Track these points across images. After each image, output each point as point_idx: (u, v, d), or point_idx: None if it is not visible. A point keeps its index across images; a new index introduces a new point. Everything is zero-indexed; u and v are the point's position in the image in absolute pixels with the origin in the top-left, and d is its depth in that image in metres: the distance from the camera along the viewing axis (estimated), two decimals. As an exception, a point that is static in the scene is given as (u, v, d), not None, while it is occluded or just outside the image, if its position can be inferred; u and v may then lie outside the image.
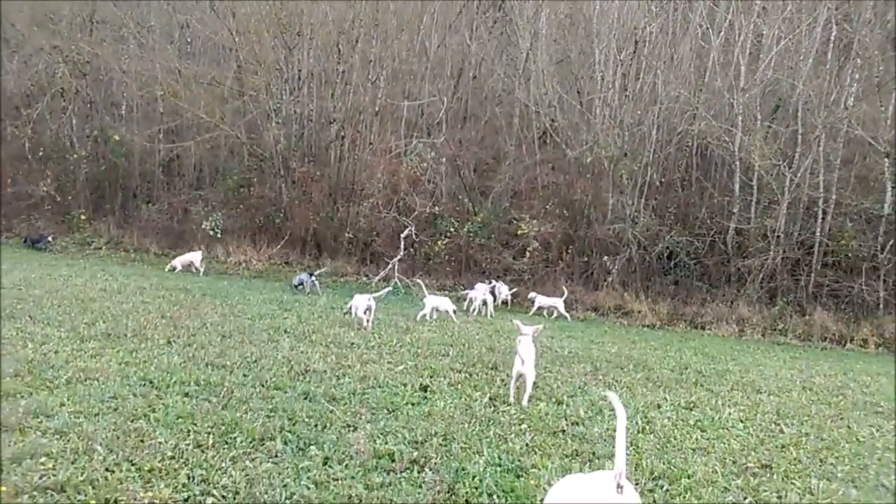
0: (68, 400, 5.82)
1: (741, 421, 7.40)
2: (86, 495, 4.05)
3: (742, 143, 18.66)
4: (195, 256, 17.82)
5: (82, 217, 22.41)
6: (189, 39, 25.13)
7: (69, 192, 23.01)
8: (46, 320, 9.31)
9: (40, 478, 4.23)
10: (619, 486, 3.34)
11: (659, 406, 7.74)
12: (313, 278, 16.55)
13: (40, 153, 23.44)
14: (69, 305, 10.67)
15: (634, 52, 20.46)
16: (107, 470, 4.44)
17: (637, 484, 5.07)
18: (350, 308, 11.69)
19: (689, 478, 5.33)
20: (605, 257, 19.11)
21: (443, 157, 21.68)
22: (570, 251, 19.62)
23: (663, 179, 20.00)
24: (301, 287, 16.23)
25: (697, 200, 19.96)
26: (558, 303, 16.60)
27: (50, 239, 20.98)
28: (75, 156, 23.14)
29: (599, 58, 20.69)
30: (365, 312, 11.35)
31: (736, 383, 9.64)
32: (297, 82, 22.18)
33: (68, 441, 4.87)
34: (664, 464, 5.60)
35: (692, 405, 7.95)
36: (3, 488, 4.02)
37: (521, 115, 22.61)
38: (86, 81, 24.00)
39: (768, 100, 19.82)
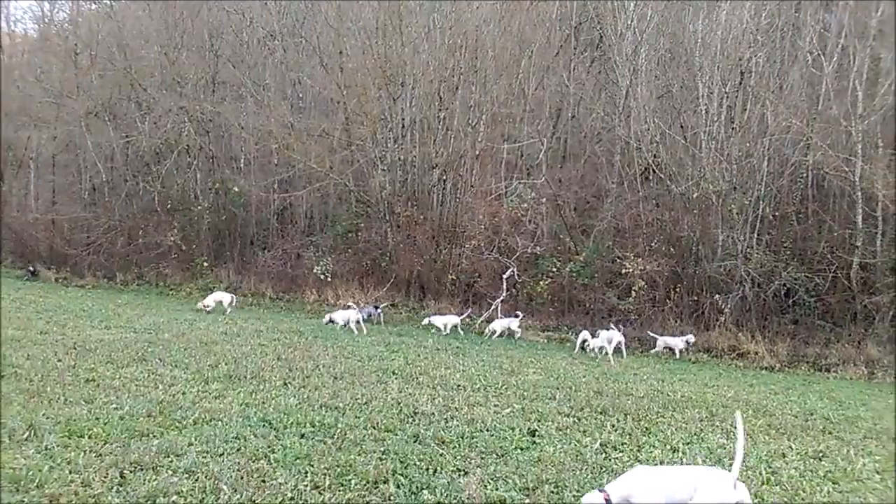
0: (195, 440, 6.19)
1: (877, 472, 6.84)
2: (215, 533, 4.27)
3: (863, 173, 17.54)
4: (225, 297, 18.47)
5: (205, 264, 23.99)
6: (301, 95, 26.64)
7: (193, 240, 24.71)
8: (174, 363, 9.96)
9: (173, 515, 4.50)
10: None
11: (784, 455, 7.29)
12: (379, 310, 18.29)
13: (168, 205, 25.39)
14: (194, 349, 11.38)
15: (740, 83, 19.84)
16: (232, 509, 4.68)
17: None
18: (331, 320, 16.27)
19: (821, 534, 4.99)
20: (717, 296, 18.30)
21: (543, 197, 21.66)
22: (678, 290, 18.95)
23: (777, 213, 19.05)
24: (365, 319, 17.14)
25: (815, 234, 18.86)
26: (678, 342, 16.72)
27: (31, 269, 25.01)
28: (199, 207, 24.91)
29: (703, 91, 20.19)
30: (356, 323, 15.83)
31: (869, 431, 8.93)
32: (401, 130, 22.96)
33: (196, 480, 5.17)
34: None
35: (821, 454, 7.44)
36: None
37: (622, 152, 22.32)
38: (208, 138, 25.90)
39: (889, 126, 18.60)
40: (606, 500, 4.61)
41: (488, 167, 23.21)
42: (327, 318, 16.86)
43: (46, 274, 25.27)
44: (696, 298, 18.83)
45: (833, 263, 17.83)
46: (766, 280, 17.99)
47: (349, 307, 17.36)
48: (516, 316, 18.12)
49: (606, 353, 14.99)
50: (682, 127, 20.96)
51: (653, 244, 19.59)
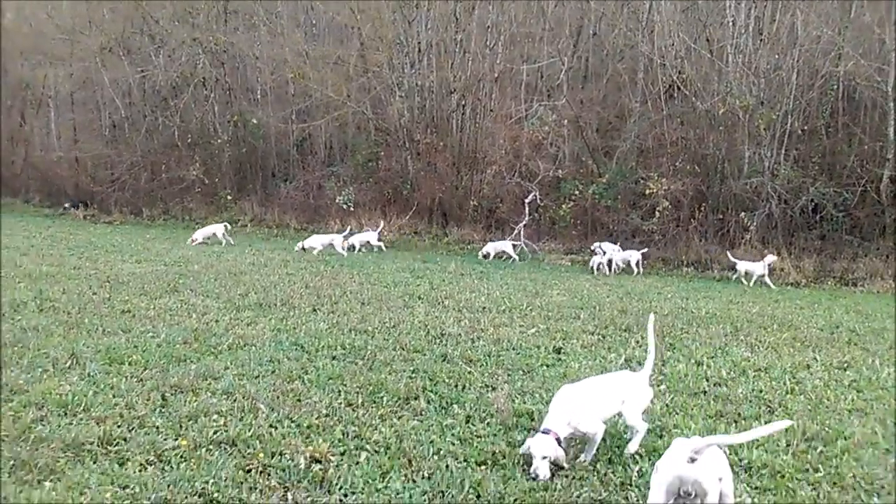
0: (231, 364, 6.39)
1: (901, 381, 6.90)
2: (254, 449, 4.46)
3: (895, 82, 16.93)
4: (217, 228, 18.47)
5: (228, 197, 24.18)
6: (314, 21, 26.08)
7: (215, 174, 24.82)
8: (205, 293, 10.19)
9: (214, 433, 4.70)
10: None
11: (808, 366, 7.36)
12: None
13: (188, 140, 25.40)
14: (224, 279, 11.61)
15: (770, -9, 19.00)
16: (270, 426, 4.87)
17: (788, 445, 4.91)
18: (304, 247, 16.54)
19: (845, 439, 5.07)
20: (742, 213, 18.06)
21: (565, 119, 21.27)
22: (702, 209, 18.73)
23: (805, 127, 18.54)
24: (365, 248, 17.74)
25: (845, 148, 18.38)
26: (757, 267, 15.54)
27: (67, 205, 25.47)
28: (219, 140, 24.89)
29: (730, 2, 19.39)
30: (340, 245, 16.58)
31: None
32: (418, 54, 22.48)
33: (234, 401, 5.37)
34: (817, 425, 5.35)
35: (846, 365, 7.49)
36: (184, 441, 4.51)
37: (645, 70, 21.70)
38: (224, 70, 25.62)
39: (926, 32, 17.78)
40: (556, 438, 4.32)
41: (508, 90, 22.76)
42: (300, 245, 17.09)
43: (74, 212, 25.64)
44: (721, 217, 18.64)
45: (862, 177, 17.46)
46: (794, 196, 17.70)
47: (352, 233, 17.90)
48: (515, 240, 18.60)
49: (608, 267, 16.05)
50: (707, 41, 20.22)
51: (677, 163, 19.27)
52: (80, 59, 27.60)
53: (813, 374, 7.06)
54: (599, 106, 22.20)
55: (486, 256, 17.94)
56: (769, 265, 15.46)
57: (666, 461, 3.53)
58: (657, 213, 18.59)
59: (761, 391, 6.32)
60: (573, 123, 21.20)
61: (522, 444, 4.65)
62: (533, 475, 4.14)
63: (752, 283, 15.34)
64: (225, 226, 18.73)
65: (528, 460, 4.33)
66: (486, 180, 21.54)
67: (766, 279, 15.32)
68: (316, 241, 17.11)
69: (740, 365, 7.24)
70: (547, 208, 20.35)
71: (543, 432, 4.33)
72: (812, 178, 17.71)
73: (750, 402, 5.99)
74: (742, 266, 15.82)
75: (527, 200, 19.78)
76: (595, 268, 16.20)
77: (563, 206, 19.96)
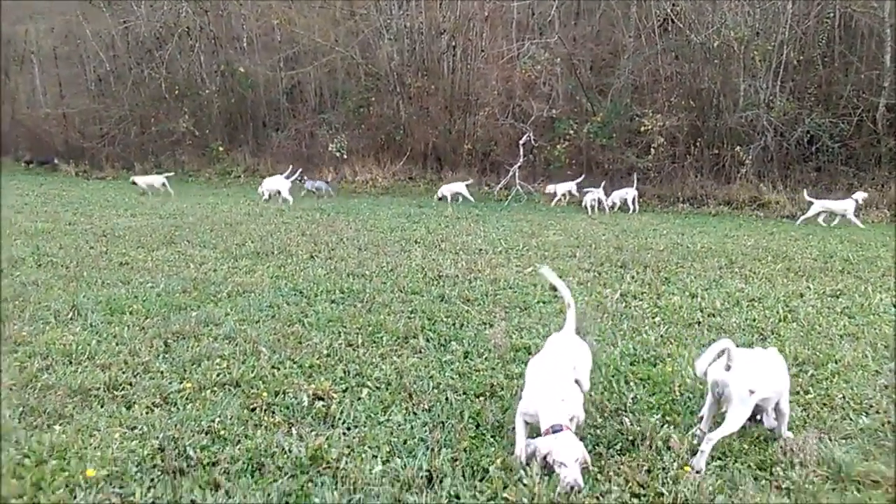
0: (231, 310, 6.46)
1: (895, 306, 7.00)
2: (258, 389, 4.55)
3: (892, 9, 16.62)
4: (156, 179, 18.48)
5: (220, 149, 23.98)
6: (298, -37, 25.38)
7: (206, 125, 24.57)
8: (202, 244, 10.22)
9: (217, 375, 4.78)
10: None
11: (802, 295, 7.46)
12: (329, 185, 18.81)
13: (176, 91, 25.02)
14: (220, 230, 11.62)
15: (765, -85, 18.45)
16: (273, 367, 4.96)
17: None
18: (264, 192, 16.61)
19: (836, 362, 5.18)
20: (738, 147, 17.98)
21: (557, 58, 20.92)
22: (698, 144, 18.65)
23: (801, 58, 18.28)
24: (316, 192, 18.11)
25: (841, 77, 18.18)
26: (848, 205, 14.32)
27: (55, 161, 24.88)
28: (207, 91, 24.54)
29: (724, -72, 18.85)
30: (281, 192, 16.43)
31: (888, 269, 9.03)
32: (406, -6, 21.99)
33: (237, 345, 5.45)
34: (808, 350, 5.46)
35: (838, 293, 7.59)
36: (189, 384, 4.60)
37: (638, 4, 21.22)
38: (208, 18, 25.07)
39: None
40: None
41: (498, 29, 22.33)
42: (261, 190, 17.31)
43: (66, 168, 25.43)
44: (716, 152, 18.57)
45: (859, 107, 17.35)
46: (790, 128, 17.59)
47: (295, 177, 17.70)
48: (465, 181, 18.76)
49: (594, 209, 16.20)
50: (702, -30, 19.74)
51: (672, 99, 19.09)
52: (61, 13, 26.98)
53: (806, 302, 7.16)
54: (592, 42, 21.84)
55: (441, 199, 17.73)
56: (859, 201, 14.39)
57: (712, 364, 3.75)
58: (652, 150, 18.51)
59: (755, 320, 6.42)
60: (566, 61, 20.88)
61: (520, 376, 4.75)
62: (571, 485, 3.25)
63: (833, 223, 14.31)
64: (164, 177, 18.77)
65: (547, 466, 3.41)
66: (480, 123, 21.35)
67: (853, 217, 14.21)
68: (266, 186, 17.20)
69: (734, 296, 7.34)
70: (541, 149, 20.23)
71: (556, 430, 3.45)
72: (808, 109, 17.57)
73: (743, 330, 6.10)
74: (821, 205, 14.58)
75: (521, 142, 19.63)
76: (588, 206, 16.18)
77: (558, 146, 19.84)
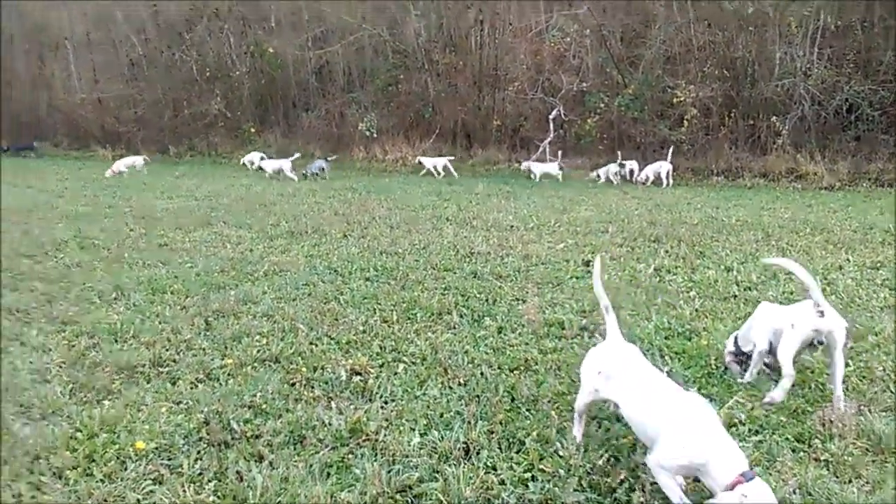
0: (269, 289, 6.60)
1: (937, 277, 6.84)
2: (297, 364, 4.65)
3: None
4: (137, 160, 18.79)
5: (251, 130, 24.23)
6: (324, -59, 25.28)
7: (237, 107, 24.79)
8: (238, 224, 10.40)
9: (257, 351, 4.91)
10: None
11: (841, 267, 7.33)
12: (327, 163, 18.60)
13: (207, 74, 25.25)
14: (254, 210, 11.80)
15: None
16: (311, 343, 5.06)
17: (820, 343, 4.95)
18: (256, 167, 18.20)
19: (876, 335, 5.11)
20: (774, 118, 17.55)
21: (587, 29, 20.59)
22: (732, 115, 18.24)
23: (839, 23, 17.67)
24: (320, 174, 17.94)
25: (882, 43, 17.53)
26: None
27: (35, 145, 25.59)
28: (237, 73, 24.72)
29: None
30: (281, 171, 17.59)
31: (931, 240, 8.82)
32: (432, -31, 21.78)
33: (275, 322, 5.57)
34: (848, 322, 5.37)
35: (879, 265, 7.44)
36: (230, 360, 4.72)
37: (671, -29, 20.74)
38: (235, -1, 25.17)
39: None
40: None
41: (526, 1, 22.01)
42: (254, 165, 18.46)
43: (103, 152, 25.90)
44: (752, 123, 18.15)
45: (900, 72, 16.76)
46: (828, 97, 17.10)
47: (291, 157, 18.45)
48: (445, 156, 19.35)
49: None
50: (736, -66, 19.18)
51: (705, 69, 18.67)
52: (93, -3, 27.33)
53: (845, 274, 7.04)
54: (622, 12, 21.38)
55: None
56: None
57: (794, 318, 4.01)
58: (685, 122, 18.19)
59: (792, 293, 6.33)
60: (596, 33, 20.54)
61: (553, 351, 4.79)
62: None
63: None
64: (144, 158, 19.34)
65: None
66: (509, 98, 21.17)
67: None
68: (267, 166, 18.19)
69: (770, 269, 7.24)
70: (572, 124, 20.01)
71: (749, 478, 2.64)
72: (847, 76, 17.03)
73: (780, 304, 6.01)
74: None
75: (551, 117, 19.46)
76: (597, 176, 17.20)
77: (589, 120, 19.60)
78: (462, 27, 22.21)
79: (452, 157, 19.30)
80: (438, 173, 18.76)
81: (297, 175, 17.53)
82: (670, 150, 17.03)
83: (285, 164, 17.76)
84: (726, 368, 4.49)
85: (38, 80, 30.46)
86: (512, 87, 20.99)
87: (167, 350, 4.94)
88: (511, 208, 12.03)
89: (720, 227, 9.97)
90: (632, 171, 16.65)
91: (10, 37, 30.25)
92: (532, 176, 17.80)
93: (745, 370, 4.34)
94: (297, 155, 18.71)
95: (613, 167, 17.41)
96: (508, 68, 21.30)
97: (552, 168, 17.79)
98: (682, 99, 17.99)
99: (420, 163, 19.30)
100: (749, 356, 4.33)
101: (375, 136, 21.87)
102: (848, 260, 7.67)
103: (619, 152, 17.60)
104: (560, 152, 18.49)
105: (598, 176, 17.59)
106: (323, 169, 18.07)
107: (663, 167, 16.49)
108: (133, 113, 27.14)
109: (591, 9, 20.54)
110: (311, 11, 24.02)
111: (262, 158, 19.42)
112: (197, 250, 8.48)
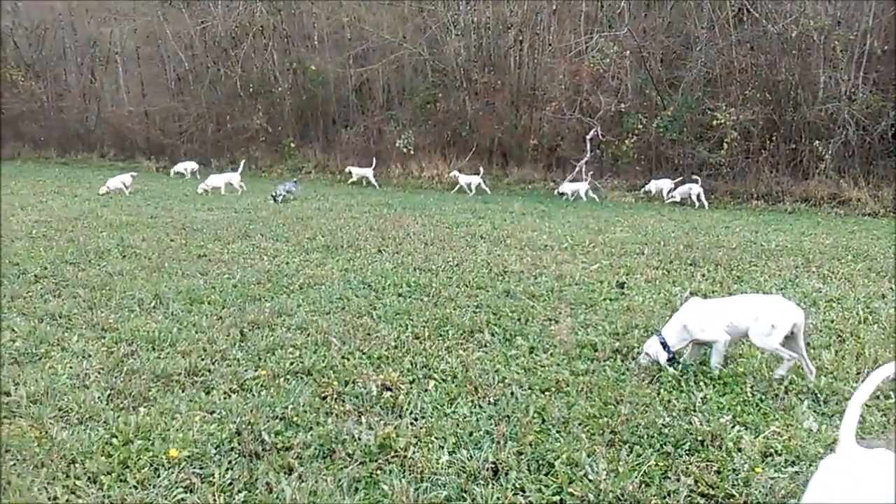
0: (303, 301, 6.68)
1: None
2: (329, 378, 4.69)
3: None
4: (126, 178, 18.25)
5: (292, 145, 24.64)
6: (367, -38, 25.75)
7: (278, 122, 25.24)
8: (275, 237, 10.56)
9: (290, 364, 4.97)
10: None
11: (884, 296, 7.14)
12: (296, 184, 17.68)
13: (250, 89, 25.79)
14: (291, 224, 11.97)
15: None
16: (343, 357, 5.11)
17: (859, 373, 4.84)
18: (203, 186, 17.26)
19: (919, 367, 4.95)
20: (817, 142, 17.23)
21: (626, 51, 20.52)
22: (774, 139, 17.96)
23: (886, 47, 17.32)
24: (287, 195, 16.42)
25: (930, 67, 17.16)
26: None
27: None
28: (279, 89, 25.20)
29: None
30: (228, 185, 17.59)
31: (981, 271, 8.54)
32: (473, -10, 22.00)
33: (308, 335, 5.63)
34: (889, 353, 5.24)
35: (924, 295, 7.24)
36: (264, 372, 4.78)
37: (712, -6, 20.60)
38: (280, 17, 25.71)
39: None
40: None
41: (566, 23, 22.07)
42: (201, 188, 17.70)
43: (147, 163, 26.54)
44: (793, 147, 17.85)
45: (949, 98, 16.35)
46: (873, 122, 16.74)
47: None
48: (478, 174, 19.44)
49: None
50: (780, -42, 19.00)
51: (747, 92, 18.43)
52: (143, 14, 28.18)
53: (888, 303, 6.86)
54: (663, 34, 21.30)
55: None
56: None
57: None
58: (725, 144, 17.96)
59: (832, 321, 6.19)
60: (636, 54, 20.46)
61: (585, 373, 4.75)
62: None
63: None
64: (132, 175, 18.90)
65: None
66: (546, 118, 21.19)
67: None
68: (217, 181, 17.87)
69: (811, 296, 7.09)
70: (609, 144, 19.92)
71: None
72: (893, 101, 16.67)
73: (820, 331, 5.90)
74: None
75: (588, 137, 19.39)
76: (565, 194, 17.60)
77: (626, 141, 19.49)
78: (501, 47, 22.35)
79: (483, 174, 19.50)
80: (471, 190, 18.81)
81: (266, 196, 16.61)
82: (700, 174, 16.86)
83: (234, 178, 18.04)
84: (662, 368, 4.80)
85: (88, 92, 31.42)
86: (549, 107, 21.00)
87: (202, 359, 5.03)
88: (545, 227, 12.00)
89: (759, 251, 9.80)
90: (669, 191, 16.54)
91: (64, 51, 31.32)
92: (567, 196, 17.75)
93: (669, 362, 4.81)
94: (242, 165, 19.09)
95: (696, 188, 16.57)
96: (546, 88, 21.33)
97: (581, 187, 17.77)
98: (721, 121, 17.78)
99: (455, 177, 19.41)
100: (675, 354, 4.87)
101: (412, 152, 22.05)
102: (891, 289, 7.47)
103: (695, 176, 17.09)
104: (591, 173, 18.42)
105: (675, 196, 17.29)
106: (290, 191, 16.93)
107: (693, 189, 16.33)
108: (178, 126, 27.83)
109: (631, 31, 20.49)
110: (354, 30, 24.42)
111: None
112: (234, 261, 8.63)
